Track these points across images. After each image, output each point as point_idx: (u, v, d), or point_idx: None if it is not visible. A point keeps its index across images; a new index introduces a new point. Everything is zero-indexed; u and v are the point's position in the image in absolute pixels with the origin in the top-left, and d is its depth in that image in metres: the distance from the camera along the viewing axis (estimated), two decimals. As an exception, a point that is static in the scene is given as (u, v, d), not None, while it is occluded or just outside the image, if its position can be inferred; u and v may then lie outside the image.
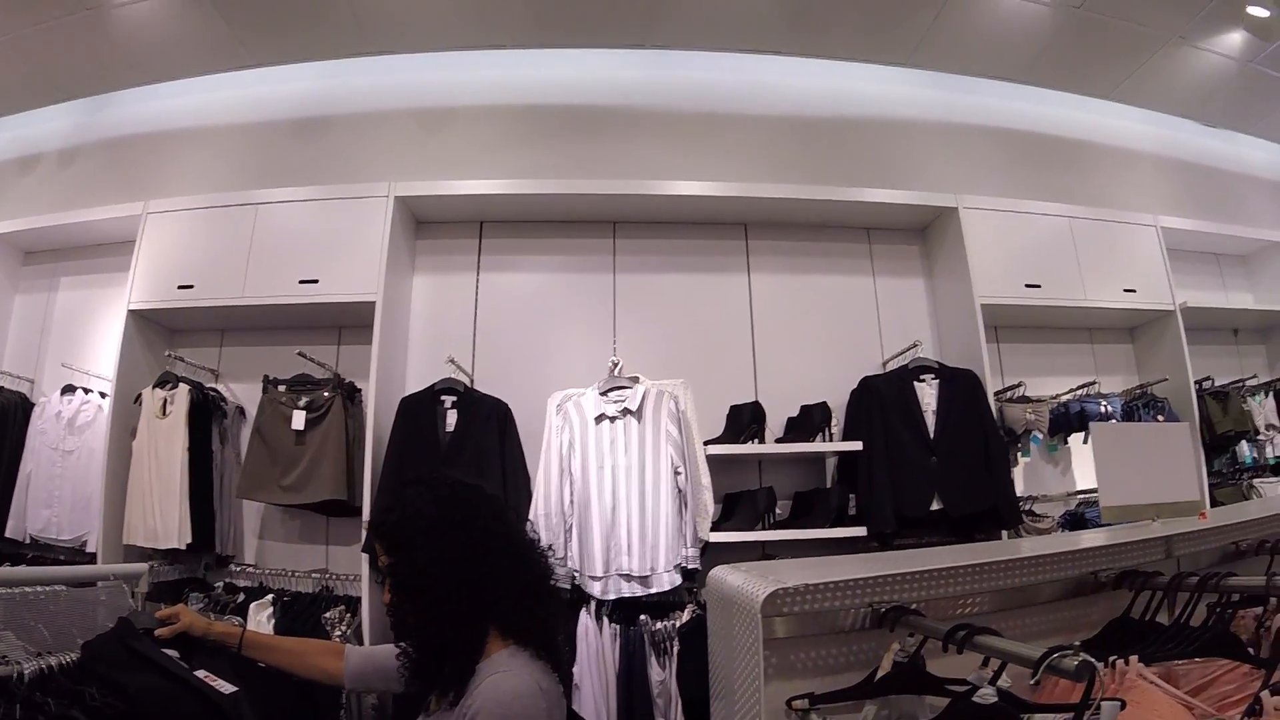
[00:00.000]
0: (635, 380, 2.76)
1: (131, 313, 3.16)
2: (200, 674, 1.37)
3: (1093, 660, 0.83)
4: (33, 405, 3.50)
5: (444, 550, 1.23)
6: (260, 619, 2.71)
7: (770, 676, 1.33)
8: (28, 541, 3.27)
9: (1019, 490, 3.10)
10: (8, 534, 3.28)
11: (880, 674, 1.26)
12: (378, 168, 3.29)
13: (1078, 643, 0.89)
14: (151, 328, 3.28)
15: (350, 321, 3.08)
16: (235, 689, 1.36)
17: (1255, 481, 3.69)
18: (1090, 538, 1.88)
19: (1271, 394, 3.90)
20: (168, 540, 2.87)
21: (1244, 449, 3.87)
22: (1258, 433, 3.78)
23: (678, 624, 2.54)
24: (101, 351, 3.49)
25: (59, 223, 3.58)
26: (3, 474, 3.37)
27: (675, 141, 3.46)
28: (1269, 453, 3.87)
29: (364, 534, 2.53)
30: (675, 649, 2.51)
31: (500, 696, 1.16)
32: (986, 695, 1.06)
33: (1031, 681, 0.94)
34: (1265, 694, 0.97)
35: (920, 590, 1.35)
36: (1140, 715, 1.03)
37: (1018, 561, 1.44)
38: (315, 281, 2.94)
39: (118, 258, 3.47)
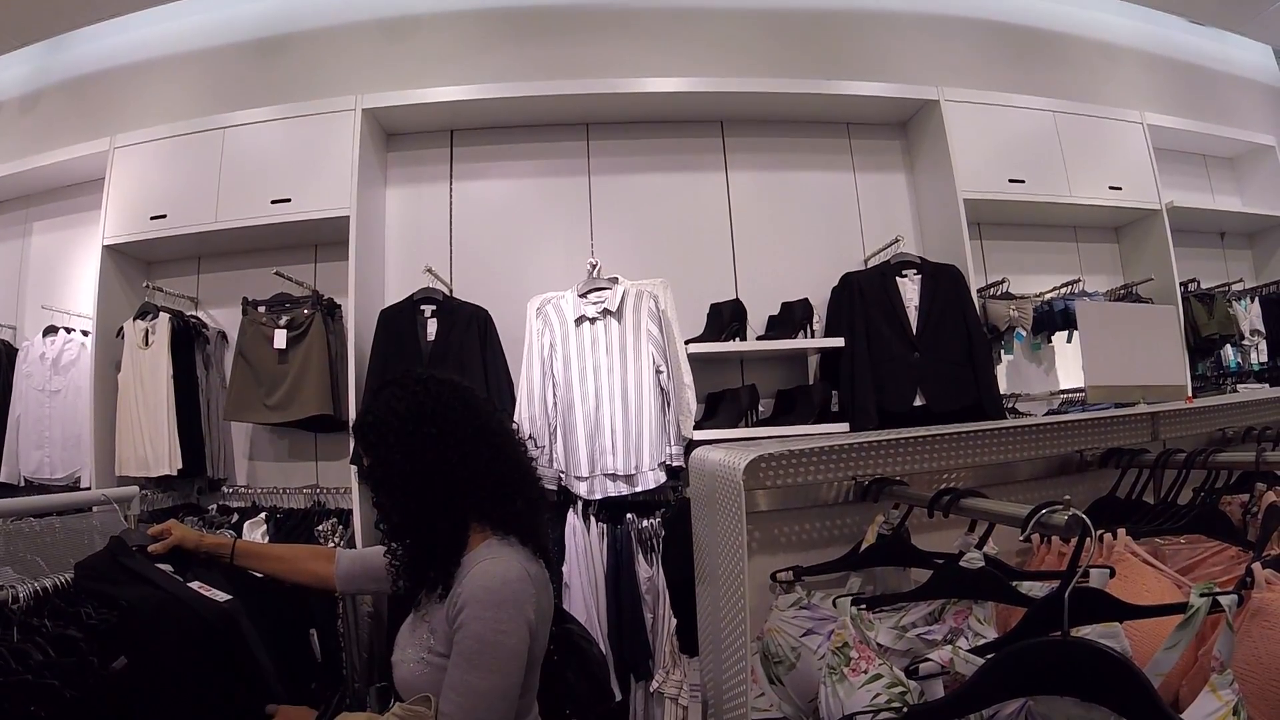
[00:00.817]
0: (614, 281, 2.74)
1: (107, 248, 3.14)
2: (194, 585, 1.39)
3: (1083, 515, 0.82)
4: (16, 350, 3.49)
5: (416, 444, 1.24)
6: (254, 536, 2.73)
7: (754, 550, 1.34)
8: (22, 484, 3.29)
9: (1001, 389, 3.09)
10: (2, 479, 3.30)
11: (864, 546, 1.28)
12: (344, 82, 3.20)
13: (1068, 496, 0.88)
14: (128, 261, 3.25)
15: (326, 238, 3.05)
16: (229, 597, 1.38)
17: (1240, 386, 3.69)
18: (1075, 416, 1.86)
19: (1257, 299, 3.88)
20: (159, 468, 2.90)
21: (1228, 353, 3.87)
22: (1242, 337, 3.78)
23: (663, 514, 2.57)
24: (80, 290, 3.47)
25: (26, 168, 3.52)
26: (-6, 421, 3.39)
27: (647, 38, 3.37)
28: (1253, 358, 3.87)
29: (351, 446, 2.55)
30: (661, 541, 2.53)
31: (488, 583, 1.17)
32: (973, 560, 1.06)
33: (1022, 538, 0.92)
34: (1256, 566, 0.97)
35: (903, 462, 1.36)
36: (1128, 588, 1.03)
37: (1003, 431, 1.43)
38: (288, 200, 2.91)
39: (89, 196, 3.44)
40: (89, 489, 3.05)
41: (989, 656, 0.83)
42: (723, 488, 1.22)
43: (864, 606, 1.08)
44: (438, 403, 1.27)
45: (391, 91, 3.02)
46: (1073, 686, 0.77)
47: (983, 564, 1.05)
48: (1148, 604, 0.91)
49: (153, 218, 3.06)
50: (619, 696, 2.48)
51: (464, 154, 3.22)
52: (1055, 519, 0.85)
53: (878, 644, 1.04)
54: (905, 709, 0.89)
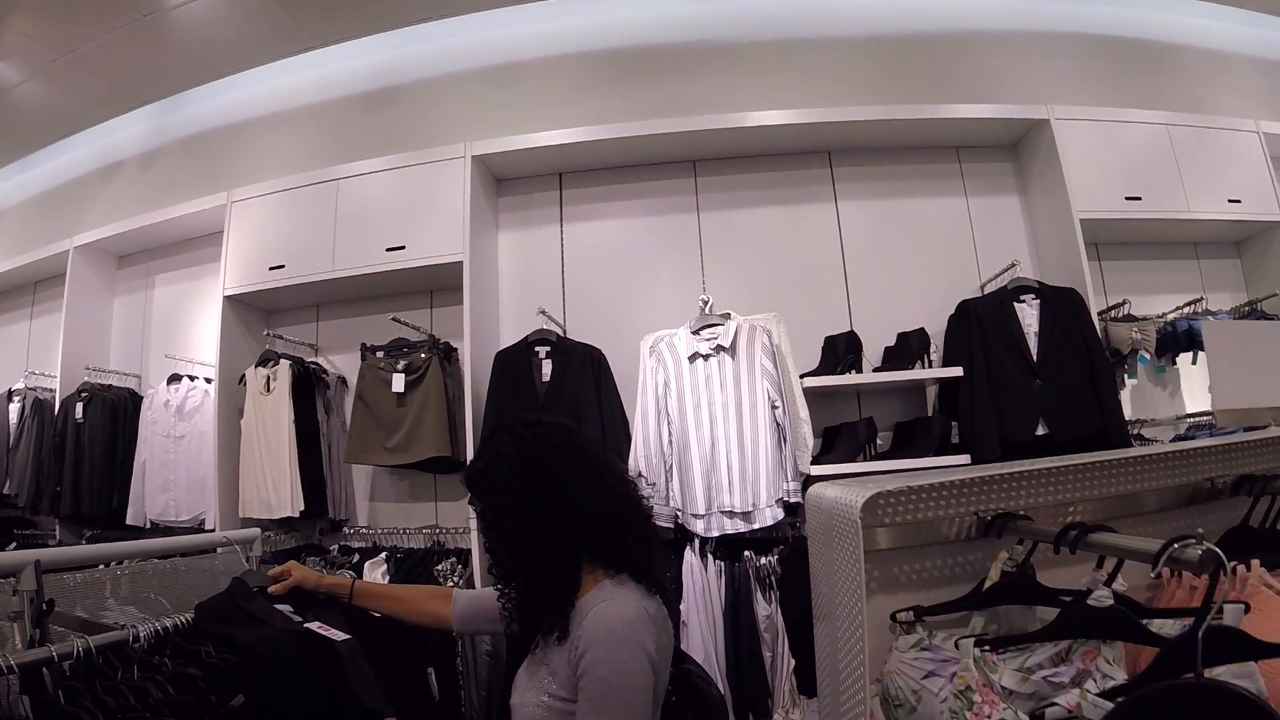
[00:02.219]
0: (727, 317, 2.72)
1: (227, 298, 3.28)
2: (313, 625, 1.39)
3: (1217, 549, 0.77)
4: (141, 398, 3.66)
5: (525, 487, 1.24)
6: (375, 576, 2.78)
7: (873, 590, 1.28)
8: (148, 526, 3.43)
9: (1126, 415, 2.95)
10: (129, 521, 3.45)
11: (988, 584, 1.23)
12: (453, 130, 3.31)
13: (1201, 530, 0.83)
14: (248, 310, 3.39)
15: (441, 284, 3.13)
16: (348, 637, 1.38)
17: (1373, 408, 3.44)
18: (1204, 442, 1.77)
19: (1390, 313, 3.63)
20: (281, 510, 2.98)
21: (1358, 372, 3.61)
22: (1374, 354, 3.52)
23: (780, 552, 2.52)
24: (202, 339, 3.63)
25: (147, 224, 3.73)
26: (120, 465, 3.56)
27: (749, 73, 3.37)
28: (1386, 376, 3.59)
29: (469, 487, 2.58)
30: (779, 579, 2.48)
31: (609, 624, 1.17)
32: (1102, 598, 1.01)
33: (1153, 574, 0.89)
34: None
35: (1026, 496, 1.30)
36: (1262, 623, 0.96)
37: (1130, 462, 1.36)
38: (402, 248, 2.99)
39: (208, 249, 3.62)
40: (213, 530, 3.16)
41: (1118, 700, 0.80)
42: (840, 525, 1.19)
43: (987, 648, 1.04)
44: (545, 445, 1.28)
45: (499, 138, 3.09)
46: (1206, 732, 0.73)
47: (1112, 602, 1.00)
48: (1284, 641, 0.84)
49: (271, 268, 3.19)
50: None
51: (573, 196, 3.26)
52: (1188, 554, 0.80)
53: (1002, 687, 1.00)
54: (1031, 755, 0.84)
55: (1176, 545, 0.81)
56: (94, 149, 4.38)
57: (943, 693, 1.07)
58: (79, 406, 3.64)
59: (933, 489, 1.24)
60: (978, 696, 0.94)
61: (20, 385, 4.14)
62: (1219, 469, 1.45)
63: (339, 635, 1.37)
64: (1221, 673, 0.80)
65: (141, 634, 1.28)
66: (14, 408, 4.10)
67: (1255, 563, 1.13)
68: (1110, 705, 0.80)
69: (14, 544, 3.85)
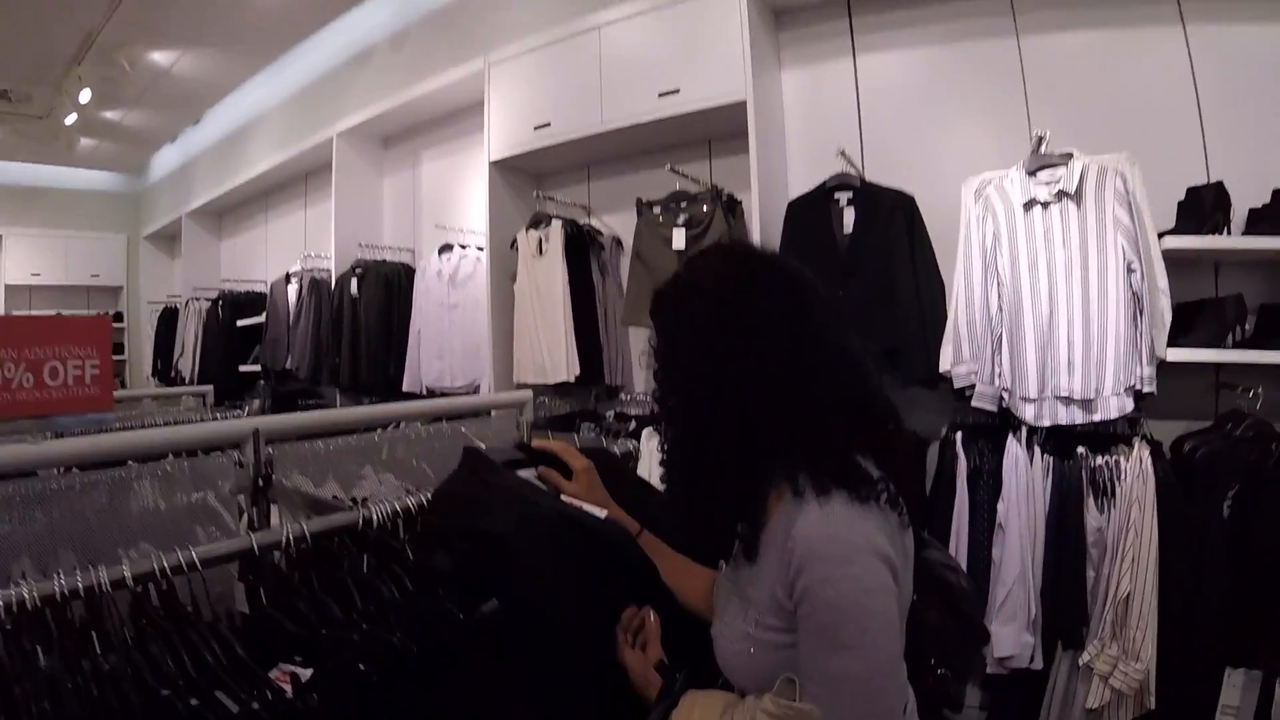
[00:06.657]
0: (1069, 156, 2.25)
1: (494, 164, 3.28)
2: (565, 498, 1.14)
3: None
4: (414, 270, 3.84)
5: (714, 334, 0.90)
6: (651, 446, 2.70)
7: None
8: (424, 393, 3.64)
9: None
10: (405, 387, 3.69)
11: None
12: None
13: None
14: (516, 175, 3.38)
15: (719, 131, 2.86)
16: (605, 512, 1.12)
17: None
18: None
19: None
20: (556, 375, 2.98)
21: None
22: None
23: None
24: (471, 209, 3.70)
25: (408, 99, 3.80)
26: (395, 334, 3.79)
27: None
28: None
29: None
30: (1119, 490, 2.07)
31: (828, 530, 0.83)
32: None
33: None
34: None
35: None
36: None
37: None
38: (676, 92, 2.73)
39: (471, 119, 3.62)
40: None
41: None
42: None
43: None
44: (754, 284, 0.91)
45: (775, -39, 2.70)
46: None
47: None
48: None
49: (536, 128, 3.11)
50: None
51: (865, 24, 2.79)
52: None
53: None
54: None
55: None
56: (343, 40, 4.53)
57: None
58: (354, 282, 3.91)
59: None
60: None
61: (297, 268, 4.53)
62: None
63: (599, 511, 1.11)
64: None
65: (373, 519, 1.11)
66: (292, 289, 4.54)
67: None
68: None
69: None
